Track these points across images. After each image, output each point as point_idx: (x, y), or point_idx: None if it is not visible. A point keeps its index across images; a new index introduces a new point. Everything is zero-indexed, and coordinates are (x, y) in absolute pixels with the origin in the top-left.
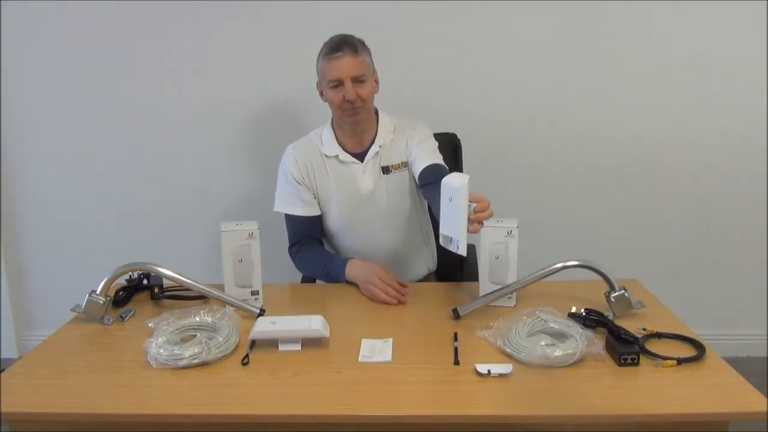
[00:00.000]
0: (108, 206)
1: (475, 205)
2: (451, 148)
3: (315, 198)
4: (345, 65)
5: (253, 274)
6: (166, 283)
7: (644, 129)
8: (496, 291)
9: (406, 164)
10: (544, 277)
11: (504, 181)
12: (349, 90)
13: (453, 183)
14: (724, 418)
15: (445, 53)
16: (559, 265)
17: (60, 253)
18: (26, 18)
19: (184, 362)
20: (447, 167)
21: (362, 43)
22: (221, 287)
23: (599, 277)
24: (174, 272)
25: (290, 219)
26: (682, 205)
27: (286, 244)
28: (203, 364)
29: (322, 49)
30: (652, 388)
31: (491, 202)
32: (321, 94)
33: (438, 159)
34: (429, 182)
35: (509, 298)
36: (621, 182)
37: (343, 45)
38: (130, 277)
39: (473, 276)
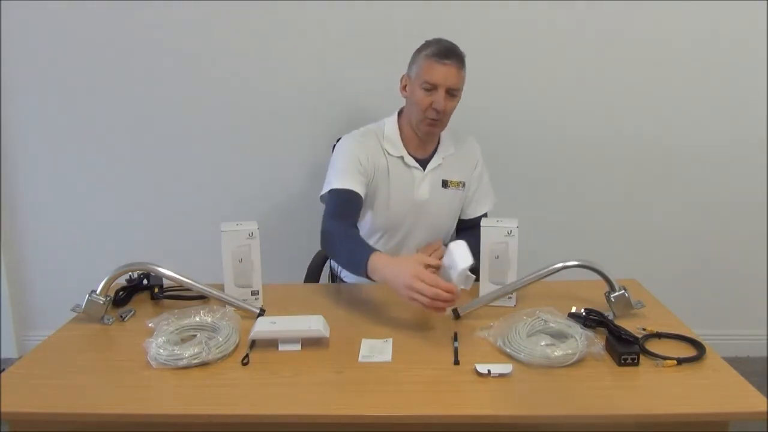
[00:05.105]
0: (108, 206)
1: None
2: None
3: (367, 187)
4: (449, 74)
5: (253, 274)
6: (166, 283)
7: (645, 129)
8: (496, 291)
9: (463, 185)
10: (544, 277)
11: (504, 180)
12: (440, 100)
13: (457, 261)
14: (724, 418)
15: None
16: (559, 265)
17: (60, 253)
18: (26, 18)
19: (184, 362)
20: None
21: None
22: (221, 287)
23: (599, 277)
24: (174, 272)
25: (337, 195)
26: (682, 205)
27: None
28: (203, 364)
29: (426, 46)
30: (652, 388)
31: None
32: (404, 87)
33: (489, 205)
34: (467, 228)
35: (509, 298)
36: (621, 182)
37: (453, 54)
38: (130, 277)
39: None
